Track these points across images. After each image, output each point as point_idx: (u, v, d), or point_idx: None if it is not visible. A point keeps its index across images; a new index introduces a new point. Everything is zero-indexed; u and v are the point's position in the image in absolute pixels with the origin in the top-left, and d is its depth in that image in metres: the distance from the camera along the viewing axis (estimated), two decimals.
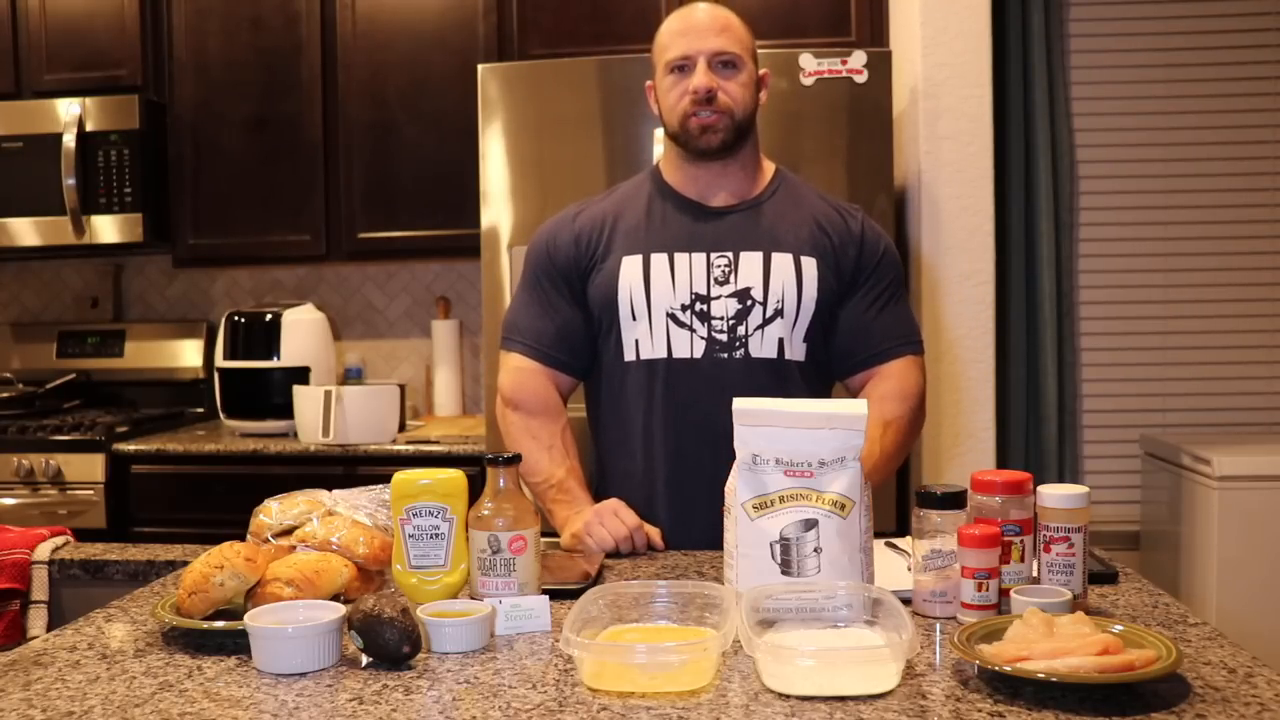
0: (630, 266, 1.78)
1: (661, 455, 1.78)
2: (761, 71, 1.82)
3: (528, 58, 3.10)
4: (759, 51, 1.83)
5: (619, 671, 1.11)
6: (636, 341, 1.78)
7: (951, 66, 2.86)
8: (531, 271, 1.88)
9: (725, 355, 1.76)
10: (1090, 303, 3.38)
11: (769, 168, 1.88)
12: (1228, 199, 3.34)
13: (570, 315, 1.84)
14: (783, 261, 1.76)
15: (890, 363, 1.81)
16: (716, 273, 1.76)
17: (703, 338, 1.76)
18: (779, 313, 1.76)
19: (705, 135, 1.75)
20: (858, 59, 2.67)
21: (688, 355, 1.76)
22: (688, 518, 1.74)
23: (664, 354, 1.77)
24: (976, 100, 2.86)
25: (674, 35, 1.77)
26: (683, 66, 1.75)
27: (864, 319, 1.81)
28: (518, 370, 1.85)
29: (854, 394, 1.84)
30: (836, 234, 1.81)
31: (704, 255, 1.77)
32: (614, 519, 1.66)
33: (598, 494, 1.81)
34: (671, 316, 1.76)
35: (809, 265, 1.77)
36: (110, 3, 3.28)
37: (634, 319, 1.78)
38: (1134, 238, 3.37)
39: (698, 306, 1.76)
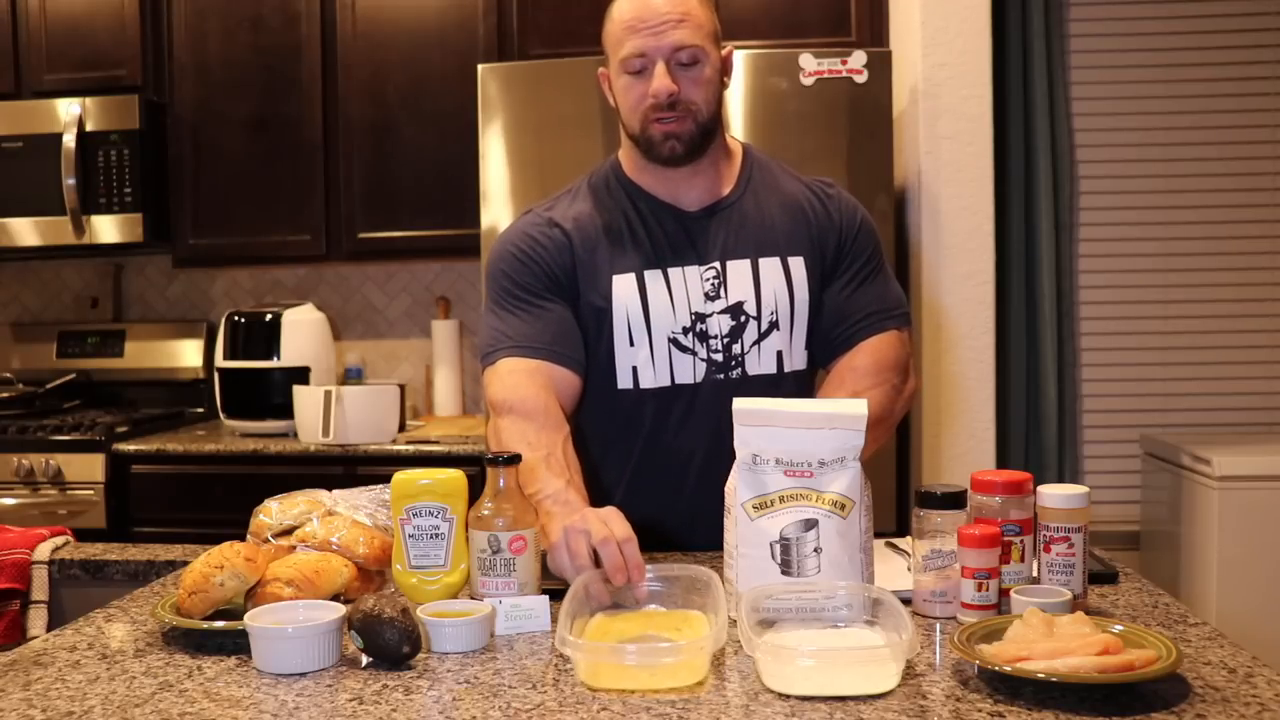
0: (624, 286, 1.64)
1: (657, 480, 1.69)
2: (724, 51, 1.66)
3: (528, 58, 3.10)
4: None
5: (615, 669, 1.11)
6: (634, 369, 1.65)
7: (951, 66, 2.86)
8: (507, 282, 1.68)
9: (722, 376, 1.65)
10: (1090, 303, 3.38)
11: (736, 150, 1.75)
12: (1228, 199, 3.34)
13: (562, 311, 1.66)
14: (771, 267, 1.66)
15: (867, 340, 1.69)
16: (707, 287, 1.65)
17: (703, 360, 1.65)
18: (774, 325, 1.66)
19: (669, 143, 1.60)
20: (858, 59, 2.66)
21: (690, 380, 1.65)
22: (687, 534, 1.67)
23: (668, 381, 1.65)
24: (976, 100, 2.86)
25: (626, 29, 1.59)
26: (640, 69, 1.59)
27: (839, 299, 1.70)
28: (509, 374, 1.62)
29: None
30: (816, 220, 1.71)
31: (696, 269, 1.65)
32: (600, 525, 1.32)
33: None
34: (674, 341, 1.64)
35: (796, 265, 1.68)
36: (110, 3, 3.28)
37: (632, 344, 1.64)
38: (1134, 238, 3.37)
39: (698, 327, 1.65)
